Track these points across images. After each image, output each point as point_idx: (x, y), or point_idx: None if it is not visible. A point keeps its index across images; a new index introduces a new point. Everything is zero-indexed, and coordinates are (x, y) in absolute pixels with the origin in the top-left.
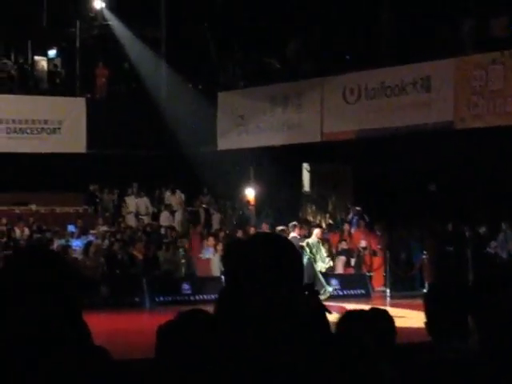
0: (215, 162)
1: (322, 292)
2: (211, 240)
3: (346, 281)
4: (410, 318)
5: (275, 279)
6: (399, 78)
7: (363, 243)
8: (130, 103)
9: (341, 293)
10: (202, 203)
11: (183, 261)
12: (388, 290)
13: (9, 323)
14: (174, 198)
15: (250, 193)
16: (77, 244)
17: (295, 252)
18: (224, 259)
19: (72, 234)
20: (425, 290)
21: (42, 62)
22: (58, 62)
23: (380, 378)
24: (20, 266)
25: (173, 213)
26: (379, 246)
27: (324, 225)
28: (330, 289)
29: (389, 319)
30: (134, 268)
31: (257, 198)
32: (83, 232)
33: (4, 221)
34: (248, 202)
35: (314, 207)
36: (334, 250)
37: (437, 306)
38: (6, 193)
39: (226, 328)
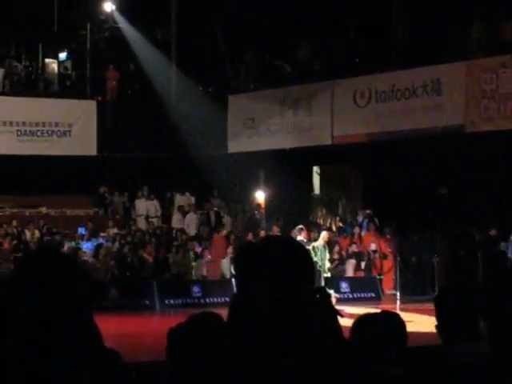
0: (225, 164)
1: None
2: None
3: (356, 284)
4: (417, 322)
5: (285, 282)
6: (410, 81)
7: (373, 246)
8: (141, 106)
9: (351, 296)
10: (213, 206)
11: (193, 263)
12: (398, 294)
13: (20, 324)
14: (184, 200)
15: (260, 196)
16: (87, 246)
17: (306, 255)
18: (235, 262)
19: (82, 237)
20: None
21: (52, 65)
22: (68, 64)
23: (391, 380)
24: (32, 268)
25: (185, 215)
26: (389, 249)
27: (334, 228)
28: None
29: (400, 322)
30: (144, 271)
31: (267, 200)
32: (93, 234)
33: (14, 223)
34: (258, 204)
35: (324, 210)
36: (344, 253)
37: (448, 309)
38: (17, 195)
39: (236, 330)
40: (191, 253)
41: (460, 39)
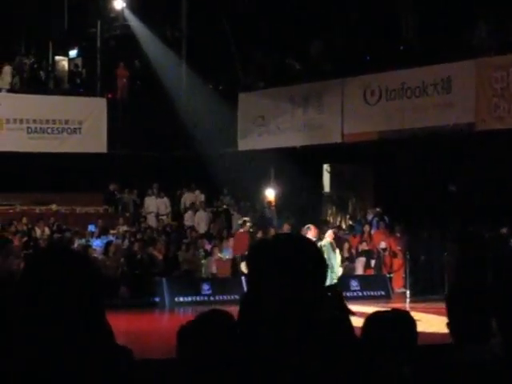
0: (236, 162)
1: None
2: (231, 241)
3: (366, 282)
4: (424, 321)
5: (295, 280)
6: (420, 79)
7: (383, 244)
8: (151, 104)
9: (361, 294)
10: (223, 204)
11: (203, 261)
12: (408, 292)
13: (33, 322)
14: (193, 197)
15: (270, 194)
16: (97, 244)
17: (317, 253)
18: (246, 260)
19: (92, 234)
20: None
21: (62, 62)
22: (78, 62)
23: (401, 379)
24: (42, 265)
25: (195, 212)
26: (399, 248)
27: (344, 226)
28: None
29: (411, 321)
30: (153, 268)
31: (277, 198)
32: (103, 232)
33: (24, 220)
34: (269, 202)
35: (334, 208)
36: (354, 251)
37: (459, 308)
38: (27, 192)
39: (246, 329)
40: (201, 250)
41: (470, 38)
